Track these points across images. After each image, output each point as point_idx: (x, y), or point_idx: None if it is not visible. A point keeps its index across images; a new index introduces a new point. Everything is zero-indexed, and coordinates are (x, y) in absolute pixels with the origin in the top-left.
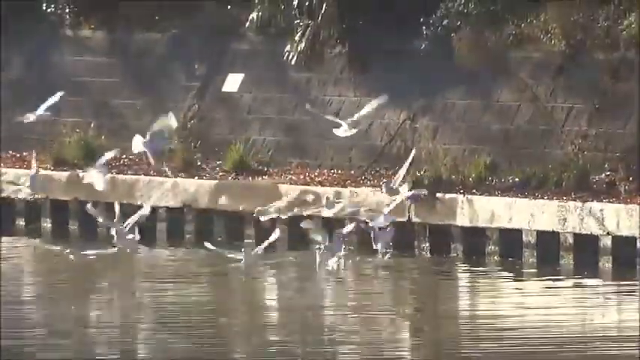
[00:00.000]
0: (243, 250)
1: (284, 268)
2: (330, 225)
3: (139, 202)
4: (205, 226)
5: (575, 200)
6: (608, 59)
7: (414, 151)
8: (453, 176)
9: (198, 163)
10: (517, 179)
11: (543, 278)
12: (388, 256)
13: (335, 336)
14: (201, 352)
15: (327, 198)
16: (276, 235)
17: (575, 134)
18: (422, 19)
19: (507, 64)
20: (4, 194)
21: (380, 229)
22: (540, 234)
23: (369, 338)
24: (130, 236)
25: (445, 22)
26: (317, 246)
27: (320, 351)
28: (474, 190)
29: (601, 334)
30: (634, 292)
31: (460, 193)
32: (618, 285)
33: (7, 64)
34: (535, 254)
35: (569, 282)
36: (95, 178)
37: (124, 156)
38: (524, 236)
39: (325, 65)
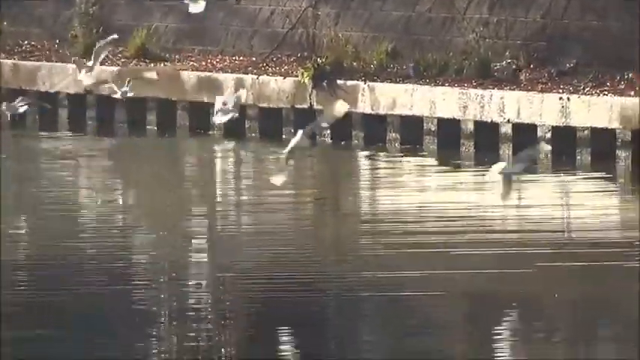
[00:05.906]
0: None
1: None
2: None
3: (41, 89)
4: (108, 113)
5: (476, 88)
6: None
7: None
8: (355, 63)
9: None
10: (412, 65)
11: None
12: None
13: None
14: None
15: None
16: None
17: (477, 22)
18: None
19: None
20: None
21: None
22: (441, 121)
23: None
24: None
25: None
26: None
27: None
28: (375, 77)
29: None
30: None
31: (361, 80)
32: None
33: None
34: (436, 141)
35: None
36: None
37: (26, 42)
38: (425, 124)
39: None
